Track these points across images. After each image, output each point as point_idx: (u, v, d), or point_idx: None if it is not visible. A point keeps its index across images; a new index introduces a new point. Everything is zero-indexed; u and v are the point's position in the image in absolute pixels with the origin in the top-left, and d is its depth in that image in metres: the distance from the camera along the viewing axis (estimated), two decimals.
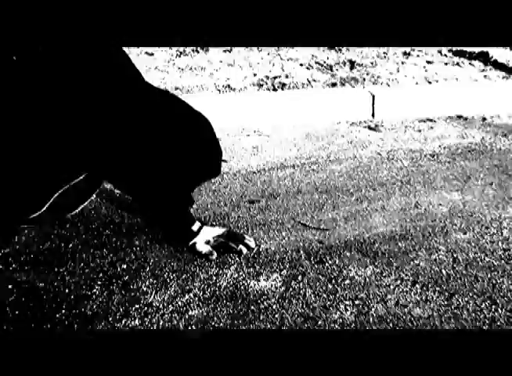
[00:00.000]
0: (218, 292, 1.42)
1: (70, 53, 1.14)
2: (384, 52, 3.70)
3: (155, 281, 1.45)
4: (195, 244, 1.57)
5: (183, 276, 1.47)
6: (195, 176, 1.40)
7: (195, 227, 1.60)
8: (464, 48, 3.93)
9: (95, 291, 1.40)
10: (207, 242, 1.59)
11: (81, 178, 1.22)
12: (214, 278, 1.47)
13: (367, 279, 1.50)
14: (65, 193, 1.25)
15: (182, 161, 1.28)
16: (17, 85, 1.07)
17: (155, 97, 1.26)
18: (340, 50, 3.69)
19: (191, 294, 1.40)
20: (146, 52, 3.35)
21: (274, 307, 1.37)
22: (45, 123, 1.09)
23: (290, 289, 1.44)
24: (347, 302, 1.40)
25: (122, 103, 1.17)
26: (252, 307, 1.37)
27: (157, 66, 3.16)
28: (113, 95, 1.16)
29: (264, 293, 1.42)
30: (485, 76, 3.43)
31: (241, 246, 1.58)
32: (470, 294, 1.45)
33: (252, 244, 1.61)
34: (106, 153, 1.19)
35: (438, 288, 1.47)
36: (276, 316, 1.34)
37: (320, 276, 1.50)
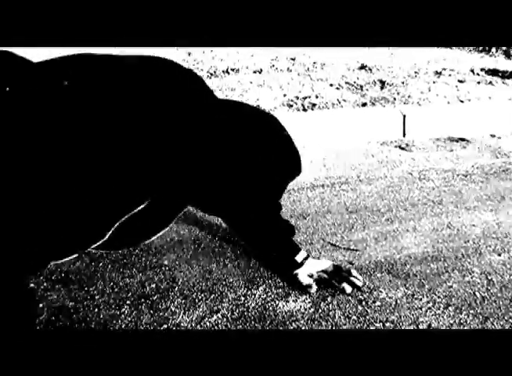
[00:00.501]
0: (246, 313, 1.41)
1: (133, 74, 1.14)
2: (415, 72, 3.68)
3: (183, 301, 1.45)
4: (297, 274, 1.53)
5: (211, 297, 1.47)
6: (280, 181, 1.30)
7: (299, 257, 1.54)
8: (497, 67, 3.88)
9: (123, 310, 1.40)
10: (310, 275, 1.53)
11: (146, 204, 1.17)
12: (243, 298, 1.46)
13: (398, 301, 1.47)
14: (137, 220, 1.21)
15: (265, 168, 1.22)
16: (72, 111, 1.05)
17: (221, 106, 1.23)
18: (370, 70, 3.68)
19: (219, 315, 1.39)
20: None
21: (303, 329, 1.36)
22: (107, 149, 1.06)
23: (320, 310, 1.42)
24: (377, 325, 1.37)
25: (193, 119, 1.15)
26: (281, 328, 1.35)
27: None
28: (184, 112, 1.14)
29: (292, 314, 1.41)
30: None
31: (345, 284, 1.50)
32: (506, 318, 1.41)
33: (359, 282, 1.52)
34: (188, 176, 1.15)
35: (471, 311, 1.43)
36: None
37: (350, 298, 1.48)
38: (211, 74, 3.45)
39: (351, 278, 1.52)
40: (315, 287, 1.49)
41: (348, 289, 1.49)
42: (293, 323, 1.37)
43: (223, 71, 3.52)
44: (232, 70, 3.56)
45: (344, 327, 1.36)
